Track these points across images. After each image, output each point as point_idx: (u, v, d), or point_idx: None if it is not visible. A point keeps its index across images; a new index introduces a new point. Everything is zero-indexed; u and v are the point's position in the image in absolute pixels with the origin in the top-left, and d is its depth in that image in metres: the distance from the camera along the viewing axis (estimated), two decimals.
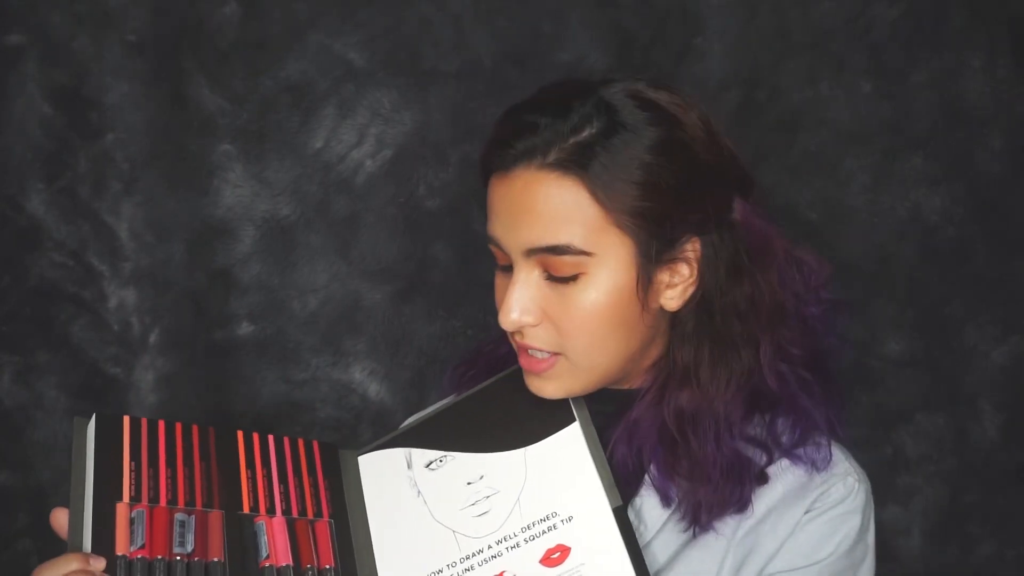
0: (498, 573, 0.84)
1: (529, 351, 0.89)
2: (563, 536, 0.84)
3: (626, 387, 0.93)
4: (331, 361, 1.48)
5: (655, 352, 0.92)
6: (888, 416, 1.50)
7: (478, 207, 1.42)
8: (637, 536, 0.87)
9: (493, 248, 0.89)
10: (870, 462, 0.96)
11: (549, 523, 0.85)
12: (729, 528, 0.89)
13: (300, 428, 1.49)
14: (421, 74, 1.44)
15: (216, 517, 0.83)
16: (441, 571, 0.86)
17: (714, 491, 0.87)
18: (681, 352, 0.90)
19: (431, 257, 1.47)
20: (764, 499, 0.90)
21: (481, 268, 1.43)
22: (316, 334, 1.48)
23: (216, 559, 0.80)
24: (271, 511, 0.86)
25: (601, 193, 0.83)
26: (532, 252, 0.85)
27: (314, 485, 0.90)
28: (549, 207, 0.84)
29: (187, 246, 1.46)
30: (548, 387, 0.90)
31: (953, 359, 1.49)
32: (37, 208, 1.44)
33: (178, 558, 0.78)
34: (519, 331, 0.88)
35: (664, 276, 0.88)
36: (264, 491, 0.87)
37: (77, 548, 0.76)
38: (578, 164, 0.83)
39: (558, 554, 0.83)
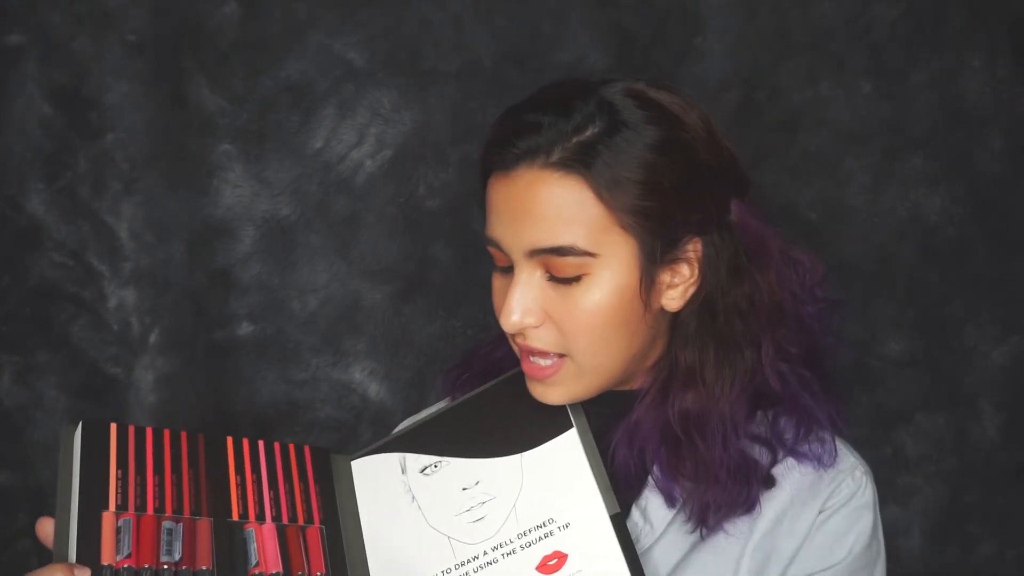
0: None
1: (532, 358, 0.89)
2: (560, 543, 0.84)
3: (627, 388, 0.93)
4: (331, 361, 1.48)
5: (655, 353, 0.92)
6: (888, 416, 1.50)
7: (478, 207, 1.41)
8: (642, 537, 0.87)
9: (492, 250, 0.88)
10: (870, 462, 0.96)
11: (546, 529, 0.85)
12: (738, 528, 0.89)
13: (300, 428, 1.49)
14: (421, 74, 1.44)
15: (204, 525, 0.82)
16: None
17: (722, 492, 0.87)
18: (684, 353, 0.90)
19: (431, 257, 1.47)
20: (773, 501, 0.90)
21: (481, 268, 1.43)
22: (316, 334, 1.48)
23: (204, 567, 0.79)
24: (261, 518, 0.85)
25: (605, 192, 0.83)
26: (534, 253, 0.85)
27: (305, 491, 0.89)
28: (552, 207, 0.83)
29: (187, 246, 1.46)
30: (552, 393, 0.89)
31: (953, 359, 1.49)
32: (37, 208, 1.44)
33: (165, 567, 0.77)
34: (521, 333, 0.88)
35: (666, 276, 0.88)
36: (254, 497, 0.86)
37: (62, 558, 0.74)
38: (581, 163, 0.83)
39: (555, 560, 0.83)
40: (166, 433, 0.86)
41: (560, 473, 0.88)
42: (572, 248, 0.83)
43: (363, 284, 1.47)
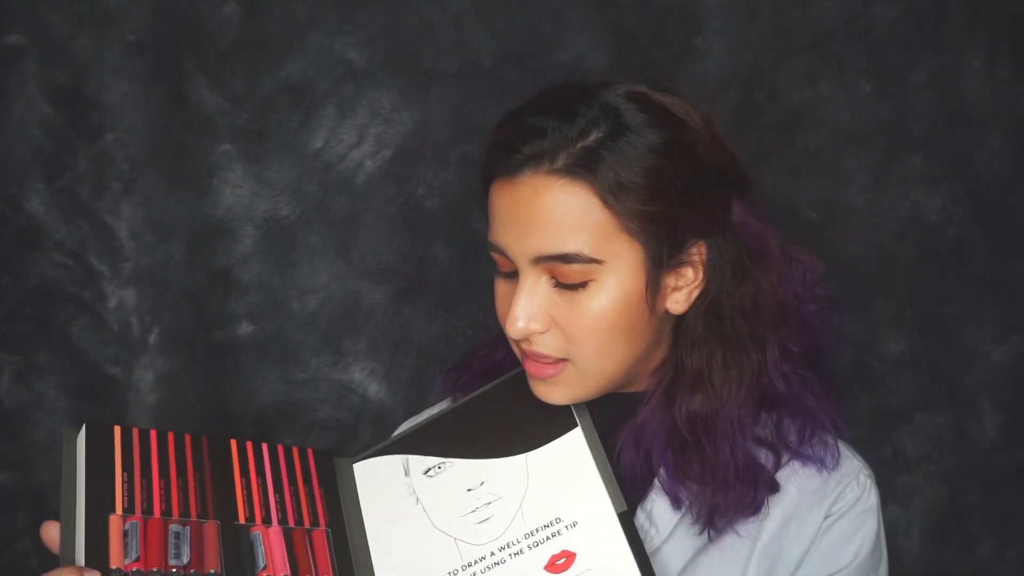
0: None
1: (535, 358, 0.89)
2: (568, 542, 0.84)
3: (630, 390, 0.93)
4: (331, 361, 1.48)
5: (659, 355, 0.92)
6: (888, 416, 1.50)
7: (478, 207, 1.42)
8: (649, 540, 0.87)
9: (495, 255, 0.88)
10: (870, 462, 0.97)
11: (553, 529, 0.85)
12: (746, 530, 0.89)
13: (300, 428, 1.49)
14: (421, 74, 1.44)
15: (211, 528, 0.81)
16: None
17: (730, 494, 0.87)
18: (691, 356, 0.90)
19: (431, 257, 1.47)
20: (780, 503, 0.90)
21: (481, 268, 1.43)
22: (316, 334, 1.48)
23: (212, 571, 0.79)
24: (267, 521, 0.84)
25: (610, 197, 0.82)
26: (540, 260, 0.84)
27: (310, 494, 0.89)
28: (558, 214, 0.83)
29: (187, 246, 1.46)
30: (555, 393, 0.89)
31: (953, 359, 1.49)
32: (37, 208, 1.44)
33: (174, 570, 0.77)
34: (525, 339, 0.88)
35: (670, 280, 0.88)
36: (259, 501, 0.86)
37: (69, 561, 0.74)
38: (587, 168, 0.82)
39: (563, 560, 0.83)
40: (170, 436, 0.85)
41: (566, 472, 0.88)
42: (578, 255, 0.83)
43: (363, 284, 1.47)
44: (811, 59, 1.44)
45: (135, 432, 0.84)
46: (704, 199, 0.86)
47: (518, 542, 0.85)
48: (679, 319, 0.91)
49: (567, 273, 0.84)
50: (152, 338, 1.47)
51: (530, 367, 0.90)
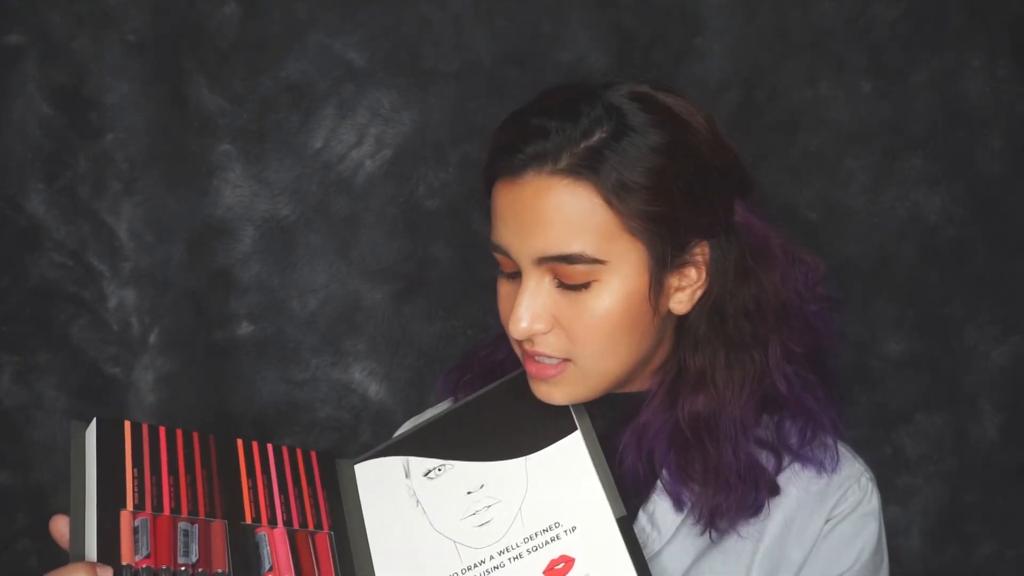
0: None
1: (537, 357, 0.89)
2: (567, 546, 0.83)
3: (631, 390, 0.93)
4: (331, 361, 1.48)
5: (661, 355, 0.92)
6: (888, 416, 1.50)
7: (478, 207, 1.42)
8: (651, 542, 0.87)
9: (498, 256, 0.88)
10: (870, 462, 0.96)
11: (552, 533, 0.85)
12: (747, 531, 0.88)
13: (300, 428, 1.49)
14: (421, 74, 1.44)
15: (219, 527, 0.81)
16: None
17: (732, 494, 0.87)
18: (694, 356, 0.90)
19: (431, 257, 1.47)
20: (781, 507, 0.90)
21: (481, 268, 1.43)
22: (316, 334, 1.48)
23: (220, 570, 0.78)
24: (272, 522, 0.84)
25: (613, 197, 0.82)
26: (543, 261, 0.84)
27: (313, 496, 0.88)
28: (561, 215, 0.83)
29: (187, 246, 1.46)
30: (556, 393, 0.89)
31: (953, 359, 1.49)
32: (37, 208, 1.44)
33: (183, 568, 0.76)
34: (528, 339, 0.88)
35: (673, 280, 0.88)
36: (265, 501, 0.85)
37: (80, 557, 0.74)
38: (590, 169, 0.82)
39: (562, 565, 0.83)
40: (178, 433, 0.85)
41: (565, 476, 0.87)
42: (581, 256, 0.83)
43: (363, 284, 1.47)
44: (811, 59, 1.44)
45: (145, 428, 0.83)
46: (707, 199, 0.86)
47: (517, 546, 0.85)
48: (681, 319, 0.91)
49: (570, 274, 0.84)
50: (152, 338, 1.47)
51: (531, 367, 0.89)
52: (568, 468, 0.88)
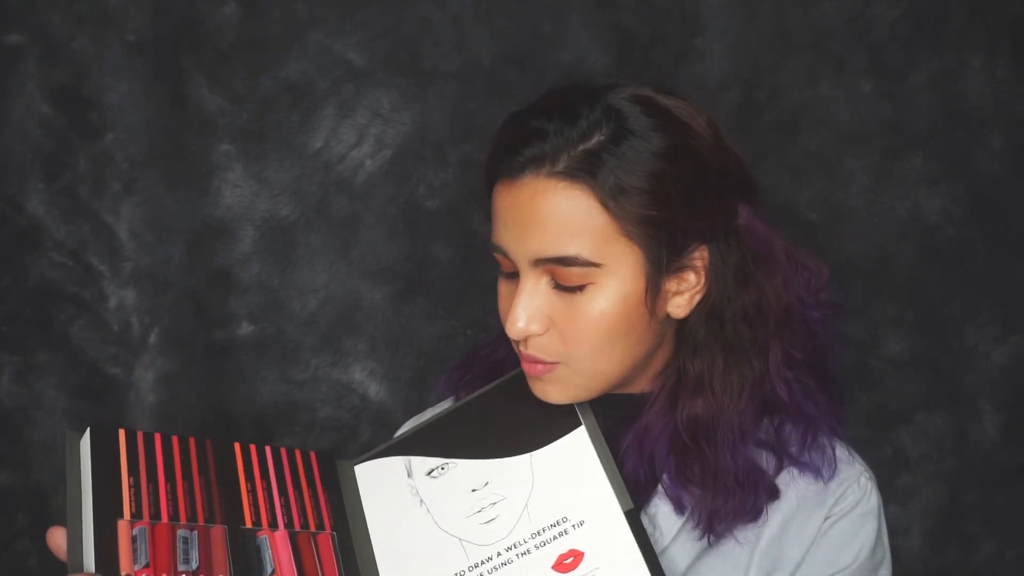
0: None
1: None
2: (575, 541, 0.84)
3: (634, 391, 0.93)
4: (331, 361, 1.48)
5: (661, 357, 0.92)
6: (888, 416, 1.50)
7: (478, 207, 1.42)
8: (652, 542, 0.87)
9: (498, 256, 0.88)
10: (870, 462, 0.97)
11: (560, 528, 0.85)
12: (746, 536, 0.88)
13: (300, 428, 1.49)
14: (421, 74, 1.44)
15: (219, 532, 0.81)
16: None
17: (730, 499, 0.87)
18: (692, 361, 0.90)
19: (431, 257, 1.47)
20: (780, 508, 0.90)
21: (481, 268, 1.43)
22: (316, 334, 1.48)
23: None
24: (273, 525, 0.84)
25: (610, 201, 0.82)
26: (540, 262, 0.84)
27: (314, 497, 0.88)
28: (557, 217, 0.83)
29: (187, 246, 1.46)
30: (551, 391, 0.89)
31: (953, 359, 1.49)
32: (37, 208, 1.44)
33: (183, 575, 0.77)
34: (523, 340, 0.88)
35: (672, 284, 0.87)
36: (265, 504, 0.85)
37: (78, 568, 0.73)
38: (587, 172, 0.82)
39: (571, 559, 0.83)
40: (174, 439, 0.85)
41: (571, 471, 0.88)
42: (577, 258, 0.83)
43: (363, 284, 1.47)
44: (811, 59, 1.44)
45: (140, 436, 0.83)
46: (707, 204, 0.86)
47: (525, 542, 0.85)
48: (682, 323, 0.90)
49: (566, 275, 0.84)
50: (152, 338, 1.47)
51: (525, 365, 0.90)
52: (574, 463, 0.88)
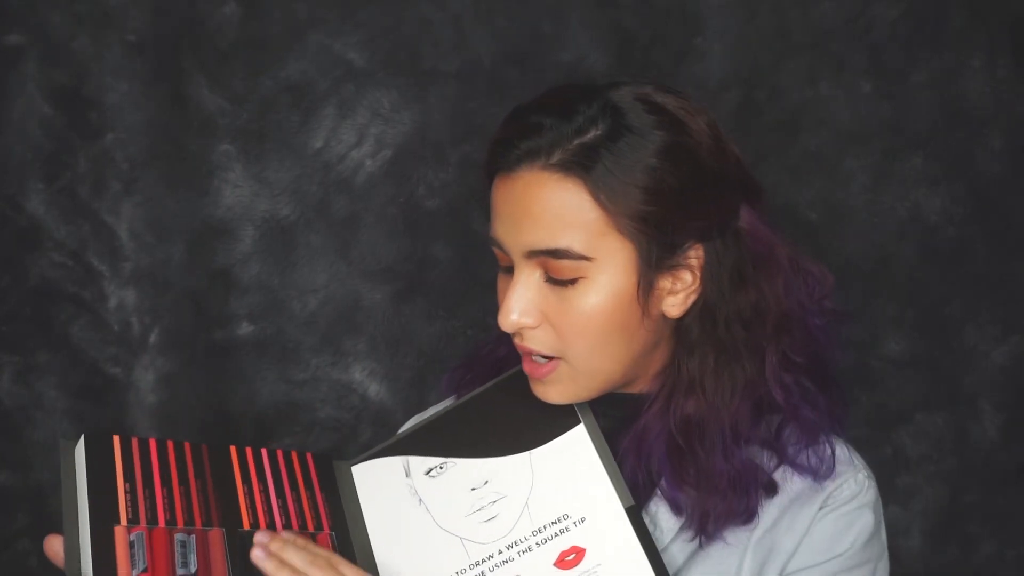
0: None
1: (533, 356, 0.89)
2: (577, 538, 0.84)
3: (635, 391, 0.93)
4: (331, 361, 1.48)
5: (661, 358, 0.92)
6: (888, 416, 1.50)
7: (478, 207, 1.42)
8: (652, 538, 0.87)
9: (495, 249, 0.88)
10: (870, 462, 0.96)
11: (561, 525, 0.85)
12: (735, 537, 0.88)
13: (300, 428, 1.49)
14: (421, 74, 1.44)
15: (217, 536, 0.81)
16: None
17: (721, 501, 0.87)
18: (688, 361, 0.90)
19: (431, 257, 1.47)
20: (775, 502, 0.90)
21: (481, 268, 1.43)
22: (316, 334, 1.48)
23: None
24: (271, 527, 0.84)
25: (603, 196, 0.82)
26: (532, 254, 0.85)
27: (312, 498, 0.88)
28: (550, 209, 0.83)
29: (187, 246, 1.46)
30: (552, 392, 0.89)
31: (953, 359, 1.49)
32: (37, 208, 1.44)
33: None
34: (518, 334, 0.88)
35: (666, 282, 0.87)
36: (263, 507, 0.85)
37: (75, 575, 0.73)
38: (581, 166, 0.83)
39: (573, 556, 0.83)
40: (169, 444, 0.85)
41: (571, 469, 0.88)
42: (568, 251, 0.83)
43: (363, 284, 1.47)
44: (811, 59, 1.44)
45: (134, 441, 0.83)
46: (702, 203, 0.86)
47: (526, 540, 0.85)
48: (679, 323, 0.91)
49: (558, 268, 0.84)
50: (152, 338, 1.47)
51: (526, 366, 0.90)
52: (574, 461, 0.88)
